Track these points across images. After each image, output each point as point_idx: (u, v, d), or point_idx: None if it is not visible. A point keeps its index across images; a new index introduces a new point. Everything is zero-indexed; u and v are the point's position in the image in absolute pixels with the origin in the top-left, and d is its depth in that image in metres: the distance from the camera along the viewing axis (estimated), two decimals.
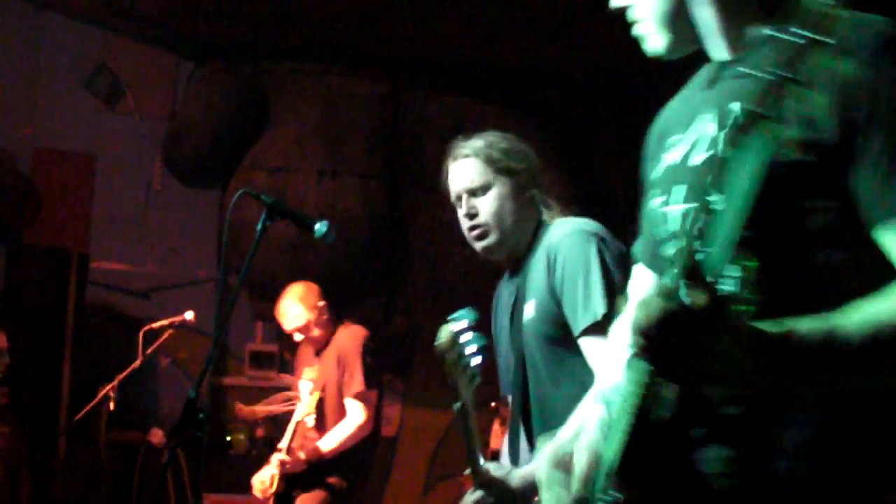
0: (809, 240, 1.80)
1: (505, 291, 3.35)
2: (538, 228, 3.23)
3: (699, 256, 1.63)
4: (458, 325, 2.97)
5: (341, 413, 6.09)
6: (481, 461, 2.94)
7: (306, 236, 3.78)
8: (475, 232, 3.24)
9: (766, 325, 1.68)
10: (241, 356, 8.80)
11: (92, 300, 8.02)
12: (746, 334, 1.66)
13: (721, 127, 1.88)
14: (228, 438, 8.15)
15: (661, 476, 1.83)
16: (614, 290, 2.91)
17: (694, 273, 1.63)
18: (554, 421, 2.63)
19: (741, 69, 1.86)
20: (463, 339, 2.95)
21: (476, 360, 2.95)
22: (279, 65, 8.82)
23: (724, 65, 2.02)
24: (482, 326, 3.03)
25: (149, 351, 6.39)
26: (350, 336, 6.19)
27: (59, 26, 8.66)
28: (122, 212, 8.71)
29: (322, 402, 6.13)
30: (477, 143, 3.29)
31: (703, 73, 2.13)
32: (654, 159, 2.17)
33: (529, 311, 3.11)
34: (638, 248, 2.20)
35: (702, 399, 1.83)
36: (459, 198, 3.28)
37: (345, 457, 6.03)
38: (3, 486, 6.36)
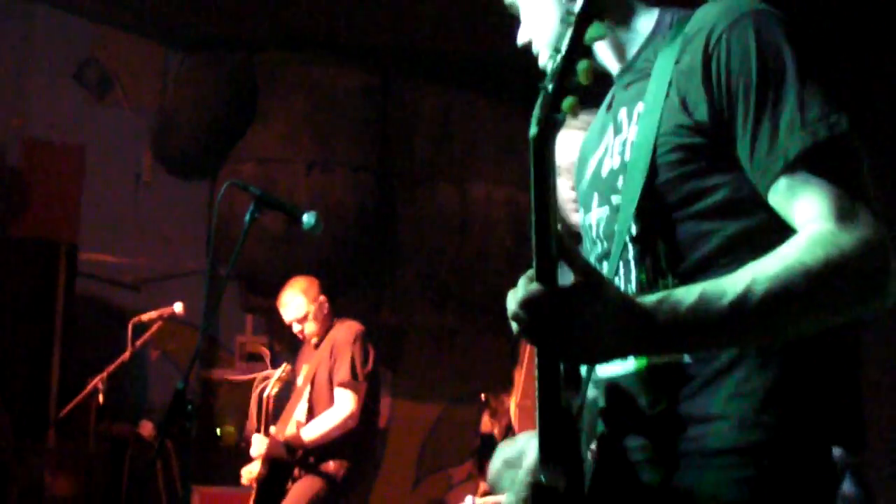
0: (709, 216, 1.85)
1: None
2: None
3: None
4: None
5: (331, 404, 6.10)
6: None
7: (295, 228, 3.78)
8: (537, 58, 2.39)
9: (646, 296, 1.74)
10: (231, 348, 8.80)
11: (81, 292, 8.01)
12: (617, 303, 1.70)
13: (616, 133, 2.03)
14: (218, 431, 8.15)
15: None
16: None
17: (567, 254, 1.69)
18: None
19: (627, 79, 2.08)
20: None
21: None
22: (268, 56, 8.81)
23: (617, 77, 2.17)
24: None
25: (138, 343, 6.37)
26: (345, 329, 6.25)
27: (49, 18, 8.64)
28: (112, 203, 8.69)
29: (312, 392, 6.17)
30: None
31: (607, 97, 2.24)
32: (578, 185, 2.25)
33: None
34: None
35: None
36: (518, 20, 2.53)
37: (344, 446, 6.06)
38: None
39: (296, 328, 6.34)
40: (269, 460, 6.06)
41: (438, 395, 9.06)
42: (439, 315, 9.03)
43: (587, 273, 1.70)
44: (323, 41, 8.67)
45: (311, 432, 6.03)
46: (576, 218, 2.51)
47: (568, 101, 1.78)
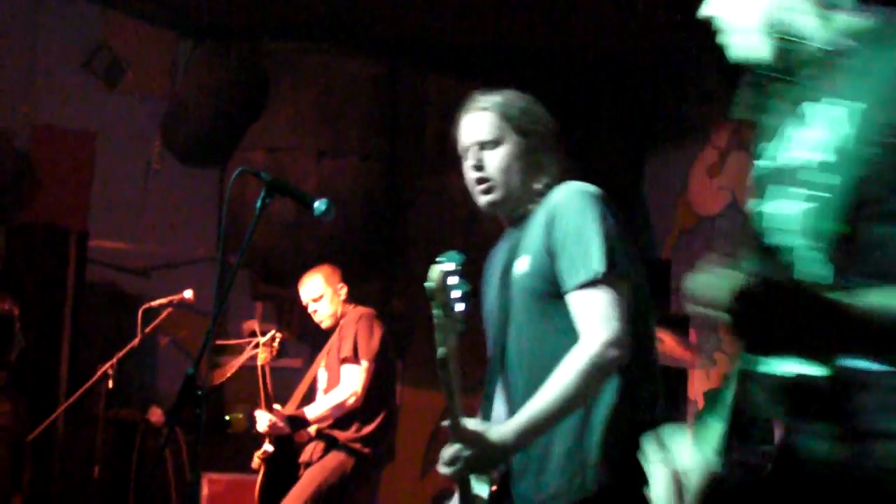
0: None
1: (501, 248, 3.33)
2: (543, 191, 3.17)
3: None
4: (447, 267, 2.91)
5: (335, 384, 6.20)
6: (461, 414, 2.87)
7: (306, 216, 3.76)
8: (480, 186, 3.22)
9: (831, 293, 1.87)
10: (241, 336, 8.80)
11: (91, 279, 8.02)
12: (811, 297, 1.86)
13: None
14: (227, 417, 8.16)
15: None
16: (614, 250, 2.93)
17: (766, 252, 1.89)
18: (535, 378, 2.95)
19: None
20: (451, 281, 2.90)
21: (461, 307, 2.91)
22: (279, 44, 8.81)
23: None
24: (469, 276, 3.00)
25: (147, 329, 6.38)
26: (355, 313, 6.35)
27: (59, 4, 8.63)
28: (122, 190, 8.70)
29: (326, 374, 6.30)
30: (495, 97, 3.27)
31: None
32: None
33: (522, 266, 3.10)
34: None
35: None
36: (467, 149, 3.26)
37: (358, 430, 6.13)
38: (4, 463, 6.35)
39: (311, 308, 6.42)
40: (276, 438, 6.13)
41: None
42: None
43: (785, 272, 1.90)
44: (333, 30, 8.67)
45: (316, 409, 6.11)
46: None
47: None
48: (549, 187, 3.17)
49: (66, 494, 7.33)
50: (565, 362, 2.85)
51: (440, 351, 2.89)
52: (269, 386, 6.14)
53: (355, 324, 6.23)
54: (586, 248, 2.94)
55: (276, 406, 6.14)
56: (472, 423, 2.90)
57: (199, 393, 3.33)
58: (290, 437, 6.23)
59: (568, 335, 2.92)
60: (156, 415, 7.42)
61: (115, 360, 6.28)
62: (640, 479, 2.56)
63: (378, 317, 6.40)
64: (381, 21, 8.53)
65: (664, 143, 9.06)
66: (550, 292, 3.01)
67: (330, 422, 6.15)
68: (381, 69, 8.94)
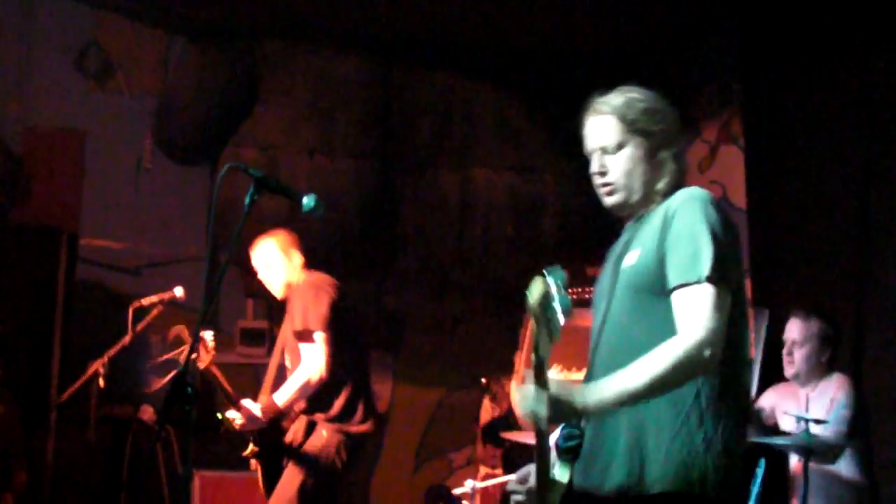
0: None
1: (621, 240, 3.42)
2: (665, 190, 3.26)
3: None
4: (551, 281, 3.07)
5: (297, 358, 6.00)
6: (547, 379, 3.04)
7: (297, 214, 3.76)
8: (603, 189, 3.32)
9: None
10: (233, 333, 8.80)
11: (82, 277, 8.02)
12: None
13: None
14: (219, 416, 8.15)
15: None
16: (723, 258, 3.03)
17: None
18: (614, 368, 3.08)
19: None
20: (553, 295, 3.04)
21: (561, 319, 3.02)
22: (271, 43, 8.82)
23: None
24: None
25: (138, 327, 6.37)
26: (308, 280, 6.06)
27: (50, 3, 8.63)
28: (112, 189, 8.69)
29: (287, 351, 6.11)
30: (617, 100, 3.33)
31: None
32: None
33: (631, 260, 3.22)
34: None
35: None
36: (591, 154, 3.34)
37: (330, 408, 5.93)
38: None
39: (262, 276, 6.18)
40: (259, 432, 5.95)
41: (439, 381, 9.06)
42: (440, 301, 9.04)
43: None
44: (326, 28, 8.67)
45: (283, 394, 5.88)
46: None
47: None
48: (670, 187, 3.25)
49: (59, 493, 7.33)
50: (660, 348, 2.96)
51: (535, 358, 3.05)
52: (225, 385, 5.96)
53: (303, 294, 5.96)
54: (696, 252, 3.04)
55: (246, 401, 5.92)
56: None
57: (189, 390, 3.32)
58: (276, 426, 6.05)
59: (657, 336, 3.03)
60: (147, 413, 7.42)
61: (105, 358, 6.27)
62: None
63: (332, 286, 6.04)
64: (375, 20, 8.53)
65: None
66: (652, 290, 3.13)
67: (303, 404, 5.93)
68: (374, 68, 8.95)
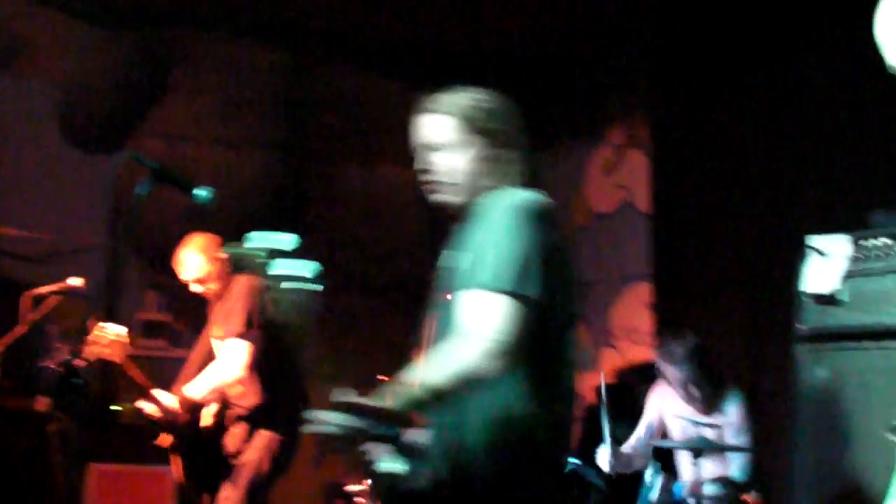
0: None
1: (452, 241, 3.29)
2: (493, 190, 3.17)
3: None
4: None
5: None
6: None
7: (200, 205, 3.74)
8: (429, 187, 3.26)
9: None
10: (133, 325, 8.72)
11: None
12: None
13: None
14: (117, 408, 8.08)
15: None
16: (519, 269, 2.91)
17: None
18: None
19: None
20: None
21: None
22: (179, 31, 8.74)
23: None
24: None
25: (32, 316, 6.28)
26: (241, 284, 5.96)
27: None
28: (14, 176, 8.57)
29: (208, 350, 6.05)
30: (454, 99, 3.29)
31: None
32: None
33: (457, 261, 3.12)
34: None
35: None
36: (419, 150, 3.30)
37: (266, 414, 5.91)
38: None
39: (195, 288, 6.11)
40: (173, 424, 5.86)
41: (339, 377, 9.04)
42: (343, 297, 9.03)
43: None
44: (235, 18, 8.62)
45: (198, 389, 5.83)
46: None
47: None
48: (500, 188, 3.17)
49: None
50: (445, 360, 2.87)
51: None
52: (138, 377, 5.88)
53: (242, 299, 5.87)
54: (489, 260, 2.92)
55: (158, 392, 5.84)
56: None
57: (77, 381, 3.30)
58: (194, 420, 5.97)
59: None
60: (43, 403, 7.32)
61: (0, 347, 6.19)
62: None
63: (259, 290, 5.92)
64: (286, 11, 8.50)
65: (559, 139, 9.13)
66: None
67: (242, 410, 5.89)
68: (283, 59, 8.91)
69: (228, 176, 8.38)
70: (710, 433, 5.47)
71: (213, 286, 6.07)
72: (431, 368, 2.89)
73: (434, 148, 3.25)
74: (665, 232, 7.73)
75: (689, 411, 5.75)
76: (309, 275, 3.01)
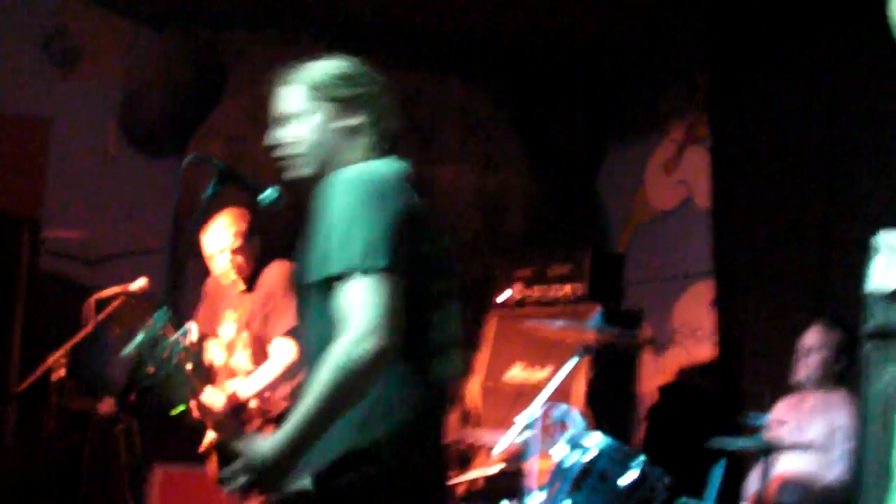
0: None
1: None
2: (352, 162, 3.01)
3: None
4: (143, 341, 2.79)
5: (265, 356, 5.75)
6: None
7: (261, 207, 3.74)
8: (283, 163, 3.11)
9: None
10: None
11: (44, 268, 7.96)
12: None
13: None
14: (178, 408, 8.11)
15: None
16: (377, 242, 2.73)
17: None
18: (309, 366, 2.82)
19: None
20: (153, 356, 2.78)
21: (178, 362, 2.84)
22: (237, 33, 8.78)
23: None
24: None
25: (99, 318, 6.32)
26: (279, 271, 5.74)
27: None
28: (77, 178, 8.63)
29: (250, 340, 5.85)
30: (306, 68, 3.19)
31: None
32: None
33: (305, 244, 2.94)
34: None
35: None
36: (273, 125, 3.16)
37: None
38: None
39: (222, 260, 5.83)
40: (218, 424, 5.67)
41: None
42: None
43: None
44: (291, 19, 8.64)
45: (250, 387, 5.67)
46: None
47: None
48: (364, 157, 3.03)
49: (17, 486, 7.28)
50: (323, 362, 2.66)
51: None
52: (201, 373, 5.76)
53: (288, 292, 5.22)
54: (345, 240, 2.74)
55: (210, 390, 5.64)
56: (241, 445, 2.74)
57: (145, 383, 3.30)
58: (239, 420, 5.89)
59: (318, 325, 2.80)
60: (107, 405, 7.37)
61: (64, 349, 6.22)
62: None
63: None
64: (341, 11, 8.51)
65: (622, 137, 9.09)
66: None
67: (275, 413, 5.71)
68: (338, 56, 8.93)
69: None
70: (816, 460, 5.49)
71: (238, 260, 5.80)
72: (315, 383, 2.66)
73: (284, 120, 3.12)
74: (726, 229, 7.67)
75: (799, 424, 5.78)
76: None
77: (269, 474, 2.67)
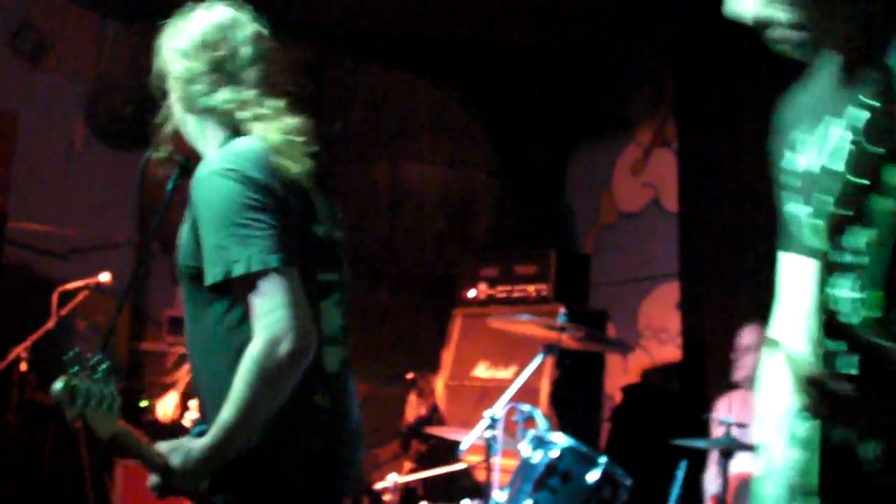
0: None
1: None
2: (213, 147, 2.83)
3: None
4: (69, 378, 2.61)
5: None
6: (155, 458, 2.63)
7: None
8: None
9: None
10: (160, 321, 8.73)
11: (9, 261, 7.92)
12: None
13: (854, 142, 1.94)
14: (145, 403, 8.09)
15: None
16: (274, 234, 2.59)
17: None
18: (203, 378, 2.78)
19: (863, 97, 1.94)
20: (80, 381, 2.59)
21: (107, 390, 2.61)
22: None
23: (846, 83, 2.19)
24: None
25: (62, 312, 6.30)
26: None
27: None
28: (43, 172, 8.59)
29: None
30: (165, 36, 2.95)
31: (828, 76, 2.33)
32: (780, 150, 2.43)
33: (180, 237, 2.80)
34: (788, 239, 2.40)
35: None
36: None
37: None
38: None
39: None
40: None
41: (366, 374, 9.03)
42: (370, 293, 9.02)
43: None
44: (259, 13, 8.62)
45: None
46: None
47: None
48: (227, 140, 2.82)
49: None
50: (239, 371, 2.56)
51: (106, 436, 2.61)
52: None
53: None
54: (225, 241, 2.59)
55: None
56: (165, 452, 2.63)
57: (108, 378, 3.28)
58: None
59: (212, 340, 2.71)
60: None
61: (28, 342, 6.21)
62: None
63: None
64: (310, 6, 8.50)
65: (589, 138, 9.12)
66: (199, 279, 2.70)
67: None
68: (309, 55, 8.91)
69: None
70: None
71: None
72: (234, 391, 2.56)
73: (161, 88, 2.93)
74: (693, 231, 7.70)
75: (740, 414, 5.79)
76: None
77: (185, 480, 2.60)
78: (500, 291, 7.63)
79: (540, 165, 9.26)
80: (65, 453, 7.12)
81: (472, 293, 7.74)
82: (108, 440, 2.62)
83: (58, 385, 2.57)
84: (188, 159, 3.53)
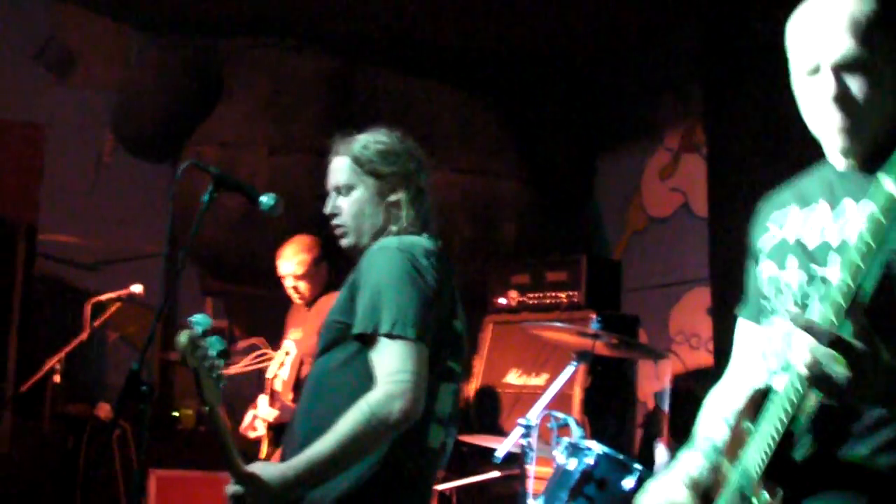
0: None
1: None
2: (399, 234, 3.27)
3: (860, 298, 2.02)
4: (195, 331, 3.01)
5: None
6: (237, 457, 2.93)
7: (255, 212, 3.74)
8: (336, 231, 3.40)
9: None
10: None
11: (40, 273, 7.95)
12: (886, 363, 2.04)
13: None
14: (176, 414, 8.11)
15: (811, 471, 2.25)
16: (409, 312, 2.98)
17: (855, 312, 2.01)
18: (309, 408, 3.13)
19: (861, 178, 2.34)
20: (203, 342, 2.97)
21: (219, 363, 2.96)
22: (232, 39, 8.78)
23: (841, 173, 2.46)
24: (218, 331, 3.10)
25: (95, 323, 6.33)
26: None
27: None
28: (72, 184, 8.63)
29: (298, 356, 6.01)
30: (351, 142, 3.40)
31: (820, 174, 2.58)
32: (761, 227, 2.65)
33: (342, 310, 3.19)
34: (744, 307, 2.69)
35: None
36: (328, 194, 3.43)
37: None
38: None
39: (288, 284, 6.22)
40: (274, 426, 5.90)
41: None
42: None
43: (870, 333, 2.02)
44: (287, 25, 8.65)
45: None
46: None
47: None
48: (403, 230, 3.27)
49: (12, 490, 7.26)
50: (350, 410, 2.89)
51: (205, 407, 2.95)
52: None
53: None
54: (377, 304, 3.00)
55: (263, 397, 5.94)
56: (252, 466, 2.95)
57: (144, 388, 3.30)
58: None
59: (348, 372, 3.04)
60: (104, 410, 7.36)
61: (62, 354, 6.23)
62: None
63: None
64: (335, 18, 8.51)
65: (617, 144, 9.10)
66: (342, 334, 3.11)
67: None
68: (334, 66, 8.92)
69: (282, 183, 8.38)
70: None
71: (305, 287, 6.18)
72: (338, 426, 2.87)
73: (337, 190, 3.40)
74: (723, 235, 7.67)
75: None
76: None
77: (274, 495, 2.87)
78: (532, 298, 7.61)
79: (568, 172, 9.23)
80: (99, 464, 7.15)
81: (503, 300, 7.73)
82: (208, 412, 2.93)
83: (183, 337, 2.93)
84: (223, 172, 3.55)
